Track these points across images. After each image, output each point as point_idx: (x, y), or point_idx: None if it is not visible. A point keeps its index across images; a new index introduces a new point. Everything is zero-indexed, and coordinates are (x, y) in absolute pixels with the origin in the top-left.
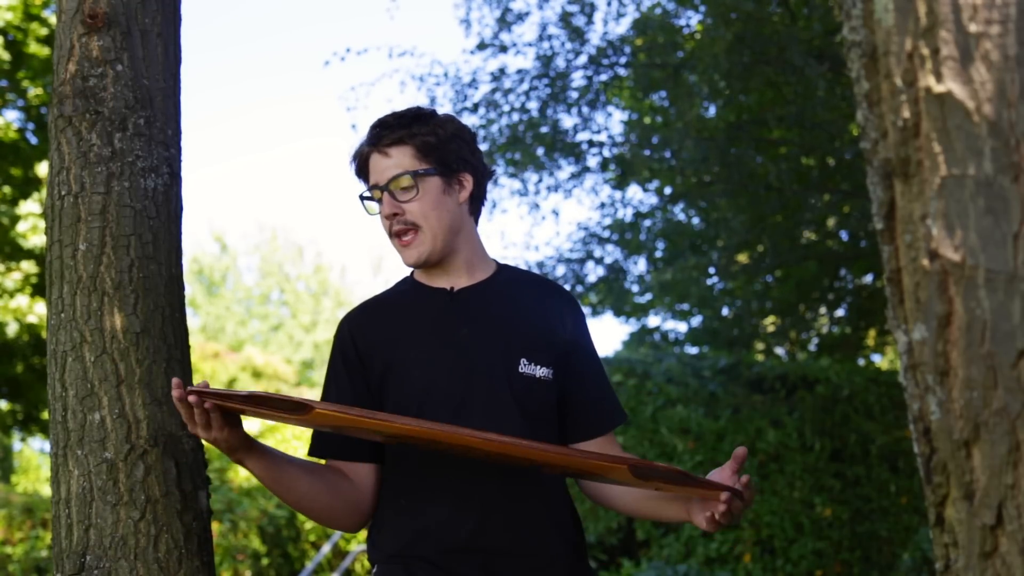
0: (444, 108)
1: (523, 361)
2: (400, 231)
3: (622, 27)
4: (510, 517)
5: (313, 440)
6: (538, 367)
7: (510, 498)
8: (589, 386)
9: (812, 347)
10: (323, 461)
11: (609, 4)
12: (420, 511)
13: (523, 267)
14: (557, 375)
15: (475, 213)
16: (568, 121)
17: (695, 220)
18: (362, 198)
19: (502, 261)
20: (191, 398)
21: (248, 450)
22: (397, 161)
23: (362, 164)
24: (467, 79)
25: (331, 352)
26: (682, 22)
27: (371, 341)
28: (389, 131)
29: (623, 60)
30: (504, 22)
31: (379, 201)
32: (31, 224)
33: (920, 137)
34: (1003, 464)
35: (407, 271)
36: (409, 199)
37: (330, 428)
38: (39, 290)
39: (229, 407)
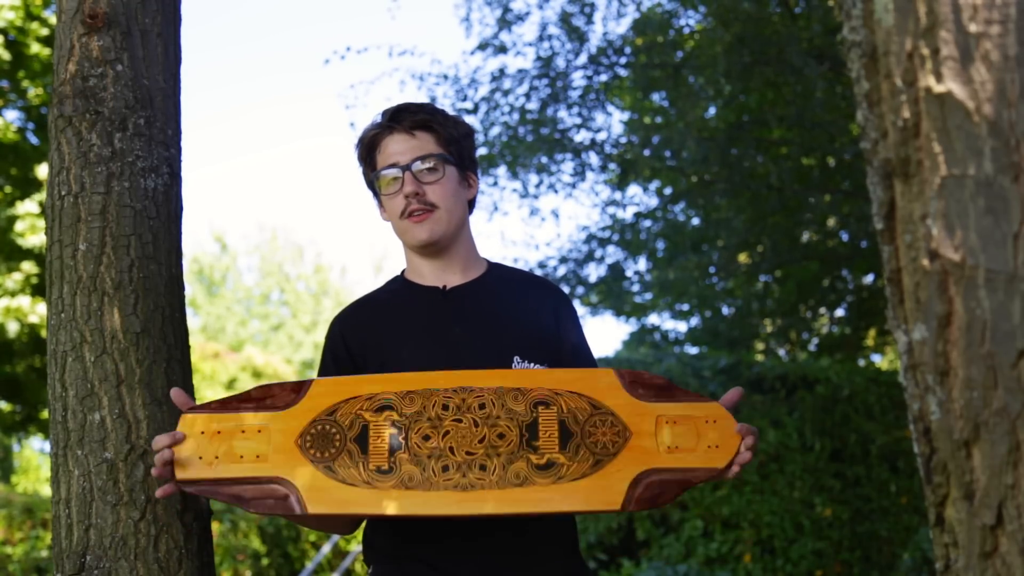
0: (444, 108)
1: (516, 359)
2: (416, 209)
3: (622, 27)
4: (505, 515)
5: None
6: (532, 364)
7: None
8: None
9: (812, 347)
10: None
11: (609, 4)
12: None
13: (524, 268)
14: None
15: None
16: (568, 121)
17: (695, 220)
18: (375, 176)
19: (495, 260)
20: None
21: None
22: (422, 144)
23: (372, 146)
24: (467, 79)
25: (323, 351)
26: (682, 22)
27: (363, 340)
28: (413, 115)
29: (623, 60)
30: (504, 22)
31: (393, 182)
32: (29, 224)
33: (920, 137)
34: (1003, 464)
35: (400, 270)
36: (433, 180)
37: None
38: (39, 290)
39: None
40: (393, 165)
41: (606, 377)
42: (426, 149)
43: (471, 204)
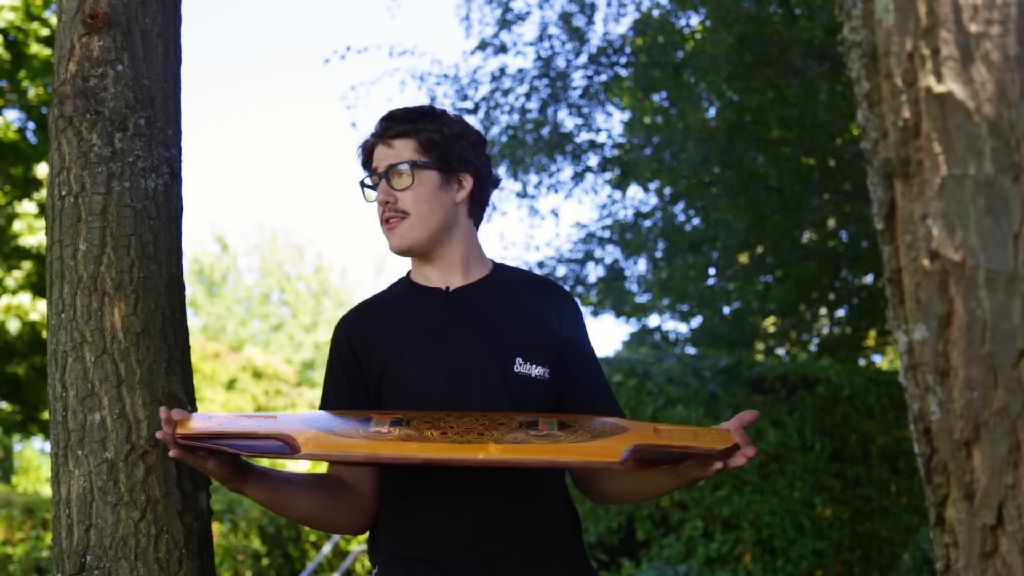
0: (443, 108)
1: (519, 360)
2: (389, 217)
3: (622, 27)
4: (509, 516)
5: None
6: (534, 366)
7: (509, 497)
8: (584, 386)
9: (813, 347)
10: (324, 465)
11: (609, 4)
12: (420, 512)
13: (523, 268)
14: (555, 374)
15: (475, 216)
16: (568, 122)
17: (695, 220)
18: (362, 185)
19: (500, 261)
20: (168, 441)
21: (244, 479)
22: (398, 152)
23: (367, 154)
24: (467, 79)
25: (329, 354)
26: (682, 22)
27: (367, 342)
28: (395, 124)
29: (623, 60)
30: (504, 22)
31: (375, 188)
32: (26, 224)
33: (920, 137)
34: (1003, 464)
35: (404, 271)
36: (403, 188)
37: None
38: (39, 289)
39: (214, 447)
40: (372, 173)
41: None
42: (400, 157)
43: (474, 203)
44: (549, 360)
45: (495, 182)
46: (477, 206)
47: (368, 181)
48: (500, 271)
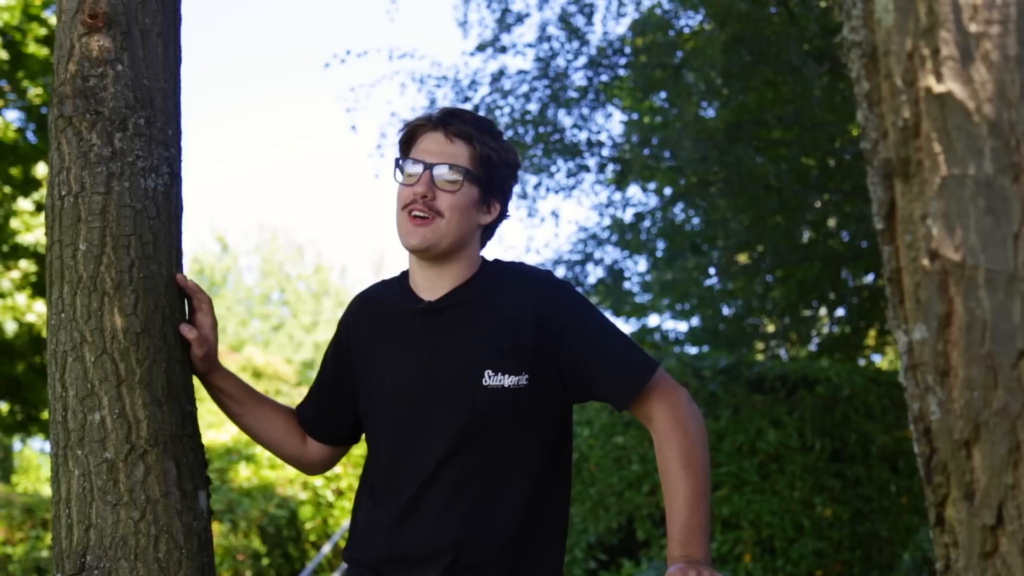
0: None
1: (488, 373)
2: (419, 211)
3: (622, 27)
4: (454, 531)
5: (302, 403)
6: (507, 376)
7: (457, 510)
8: (595, 362)
9: (812, 347)
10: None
11: (609, 4)
12: (374, 516)
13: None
14: (536, 379)
15: (483, 243)
16: (568, 122)
17: (695, 220)
18: (397, 164)
19: (492, 259)
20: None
21: (214, 369)
22: (455, 152)
23: (414, 136)
24: (467, 81)
25: (335, 331)
26: (682, 22)
27: (358, 335)
28: (462, 123)
29: (623, 60)
30: (503, 23)
31: (411, 175)
32: (23, 222)
33: (920, 137)
34: (1003, 464)
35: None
36: (447, 190)
37: None
38: (38, 289)
39: None
40: (418, 160)
41: None
42: (455, 159)
43: (489, 232)
44: (526, 367)
45: (506, 218)
46: (489, 235)
47: (413, 167)
48: (483, 275)
